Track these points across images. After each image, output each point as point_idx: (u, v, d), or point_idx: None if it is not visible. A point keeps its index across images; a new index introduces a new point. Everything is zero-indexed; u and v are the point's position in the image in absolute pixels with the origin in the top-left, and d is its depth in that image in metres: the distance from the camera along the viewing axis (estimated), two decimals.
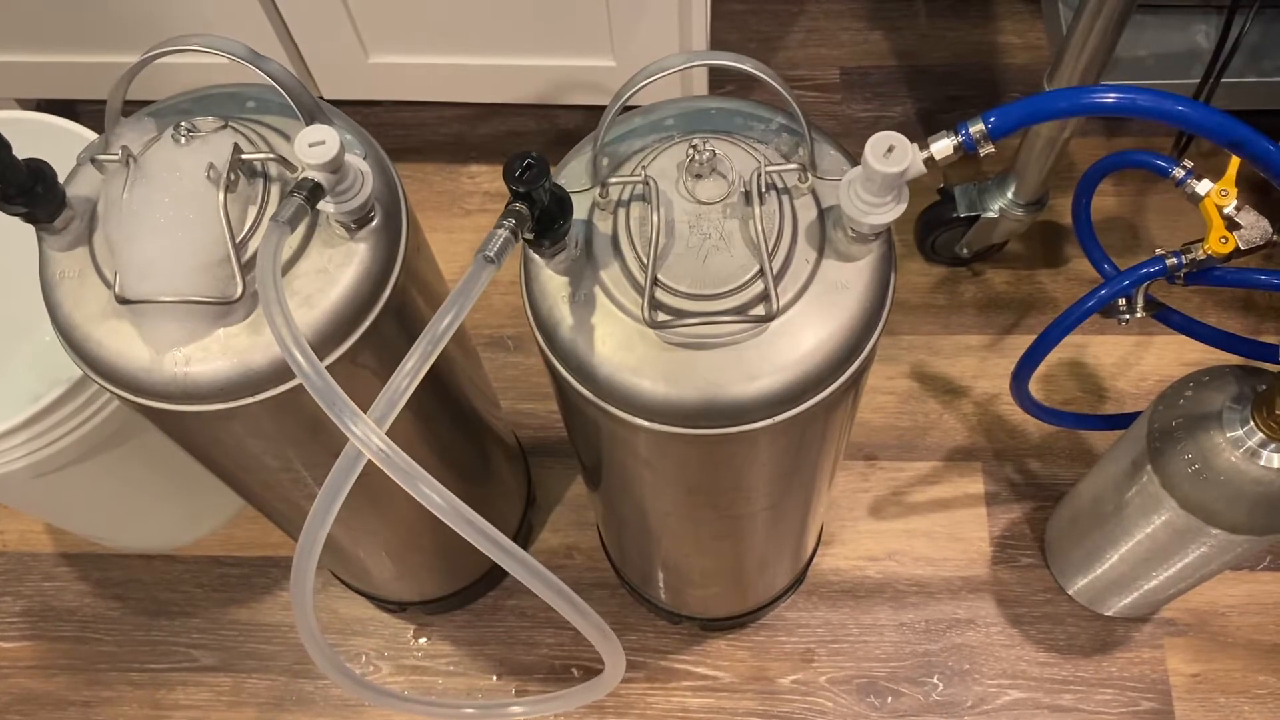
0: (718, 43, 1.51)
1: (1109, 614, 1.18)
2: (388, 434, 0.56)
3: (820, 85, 1.50)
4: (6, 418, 0.92)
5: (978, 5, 1.55)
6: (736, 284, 0.64)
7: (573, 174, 0.71)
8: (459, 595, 1.21)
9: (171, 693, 1.21)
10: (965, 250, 1.31)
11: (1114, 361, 1.30)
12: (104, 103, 1.38)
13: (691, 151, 0.65)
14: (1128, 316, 0.94)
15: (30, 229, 0.69)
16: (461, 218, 1.45)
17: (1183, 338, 1.05)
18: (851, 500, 1.25)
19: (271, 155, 0.67)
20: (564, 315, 0.67)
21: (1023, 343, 1.31)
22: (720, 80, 1.41)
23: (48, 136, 1.05)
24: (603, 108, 0.68)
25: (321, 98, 1.32)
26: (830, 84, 1.50)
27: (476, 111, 1.50)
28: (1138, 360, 1.30)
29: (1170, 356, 1.30)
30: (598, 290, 0.66)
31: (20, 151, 0.64)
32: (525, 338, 1.36)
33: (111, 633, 1.24)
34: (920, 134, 1.48)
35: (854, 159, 0.70)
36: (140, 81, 0.68)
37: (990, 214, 1.24)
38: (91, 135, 1.03)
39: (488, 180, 1.47)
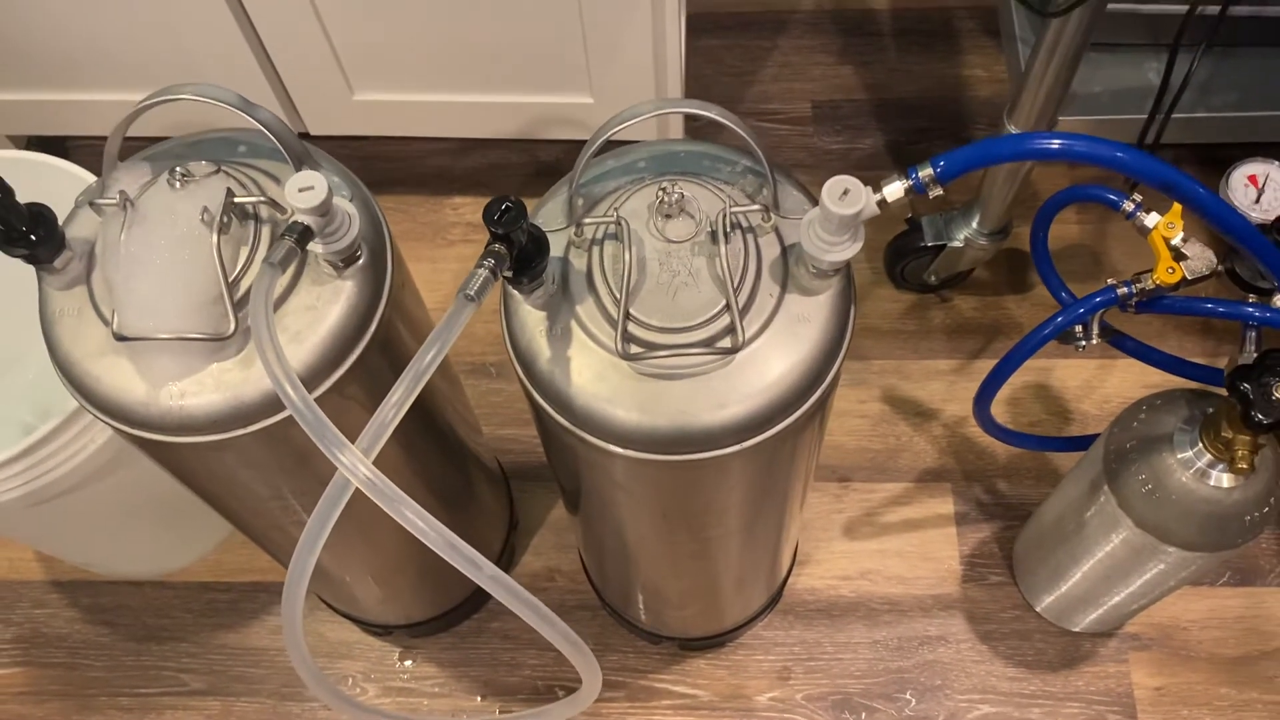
0: (693, 77, 1.55)
1: (1075, 629, 1.21)
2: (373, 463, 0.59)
3: (792, 118, 1.55)
4: (1, 448, 0.94)
5: (944, 39, 1.60)
6: (704, 318, 0.68)
7: (549, 214, 0.74)
8: (444, 618, 1.23)
9: (161, 717, 1.23)
10: (933, 277, 1.35)
11: (1078, 384, 1.34)
12: (94, 139, 1.41)
13: (661, 193, 0.69)
14: (1084, 343, 0.98)
15: (17, 265, 0.72)
16: (445, 248, 1.48)
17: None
18: (825, 521, 1.28)
19: (262, 199, 0.71)
20: (542, 348, 0.71)
21: (990, 367, 1.35)
22: (693, 117, 1.45)
23: (40, 175, 1.08)
24: (582, 142, 0.71)
25: (307, 134, 1.37)
26: (802, 117, 1.55)
27: (459, 145, 1.53)
28: (1101, 383, 1.34)
29: (1132, 379, 1.34)
30: (574, 324, 0.70)
31: (15, 189, 0.67)
32: (507, 365, 1.38)
33: (101, 658, 1.26)
34: (890, 164, 1.54)
35: (815, 198, 0.74)
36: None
37: (956, 243, 1.28)
38: (82, 173, 1.06)
39: (470, 211, 1.50)
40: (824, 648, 1.23)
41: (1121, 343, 1.01)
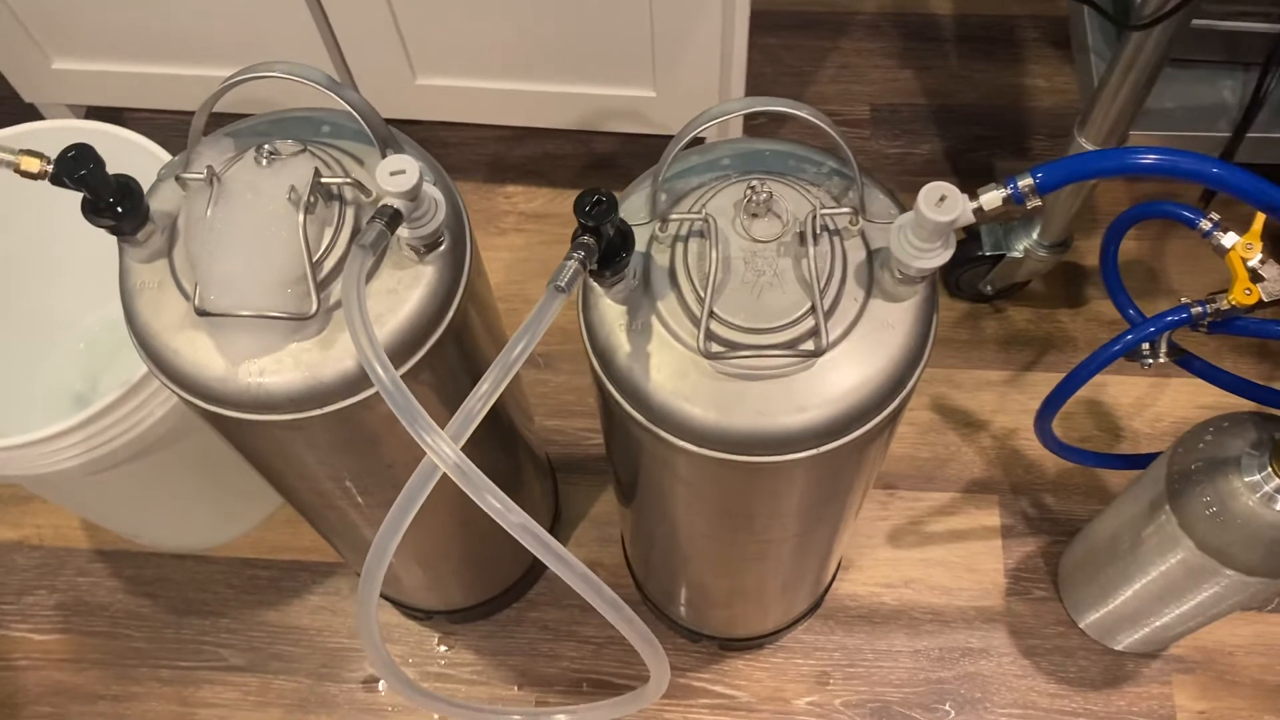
0: (752, 75, 1.53)
1: (1119, 649, 1.20)
2: None
3: (850, 121, 1.54)
4: (56, 414, 0.95)
5: (1007, 48, 1.59)
6: (788, 319, 0.67)
7: (632, 208, 0.74)
8: (484, 606, 1.23)
9: (199, 690, 1.23)
10: (989, 287, 1.34)
11: (1130, 402, 1.33)
12: (152, 112, 1.41)
13: (749, 192, 0.69)
14: (1150, 361, 0.97)
15: (73, 237, 0.72)
16: (497, 236, 1.48)
17: (1198, 380, 1.08)
18: (870, 528, 1.28)
19: (349, 180, 0.70)
20: (621, 342, 0.70)
21: (1041, 379, 1.35)
22: (751, 115, 1.44)
23: (105, 146, 1.08)
24: (639, 135, 0.71)
25: None
26: (860, 120, 1.54)
27: (514, 133, 1.53)
28: (1154, 401, 1.33)
29: (1185, 399, 1.33)
30: (654, 320, 0.70)
31: None
32: (555, 356, 1.39)
33: (142, 629, 1.27)
34: (948, 172, 1.52)
35: (901, 203, 0.74)
36: (199, 93, 0.70)
37: (1015, 254, 1.27)
38: (153, 146, 1.06)
39: (523, 200, 1.50)
40: (864, 654, 1.22)
41: (1189, 363, 1.00)
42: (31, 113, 1.49)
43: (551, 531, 1.26)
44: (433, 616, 1.24)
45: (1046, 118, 1.52)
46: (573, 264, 0.63)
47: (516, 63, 1.28)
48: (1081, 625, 1.22)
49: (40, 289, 1.24)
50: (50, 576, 1.30)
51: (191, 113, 0.76)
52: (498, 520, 0.59)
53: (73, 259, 1.15)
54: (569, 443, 1.35)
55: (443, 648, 1.25)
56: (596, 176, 1.50)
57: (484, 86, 1.32)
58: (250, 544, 1.31)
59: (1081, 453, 1.13)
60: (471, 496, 0.59)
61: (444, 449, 0.57)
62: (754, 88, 1.54)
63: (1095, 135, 1.09)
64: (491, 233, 1.48)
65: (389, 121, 0.76)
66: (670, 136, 0.73)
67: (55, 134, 1.06)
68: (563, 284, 0.62)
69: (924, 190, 0.62)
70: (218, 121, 0.78)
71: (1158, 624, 1.10)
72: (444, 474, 0.59)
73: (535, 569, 1.25)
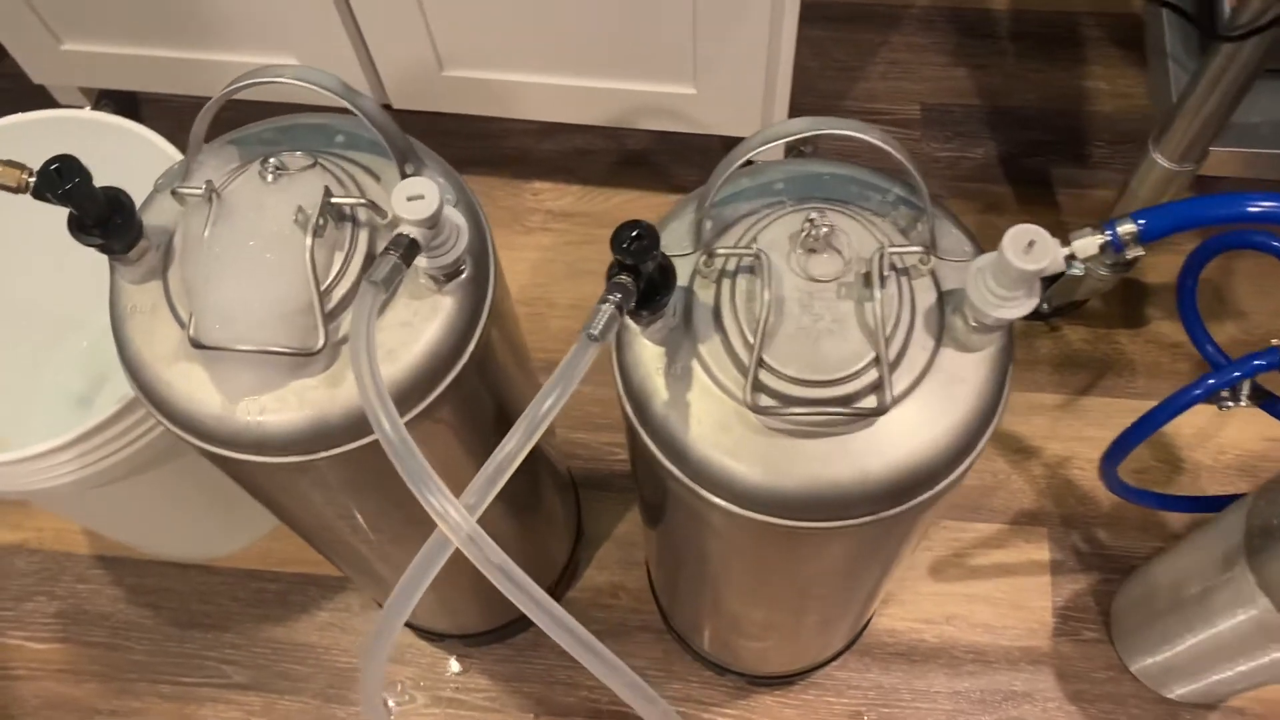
0: (798, 69, 1.45)
1: (1173, 697, 1.13)
2: None
3: (899, 121, 1.45)
4: (56, 418, 0.89)
5: (1067, 47, 1.50)
6: (848, 371, 0.60)
7: (674, 236, 0.67)
8: (499, 630, 1.17)
9: (201, 708, 1.18)
10: (1045, 305, 1.27)
11: (1193, 432, 1.25)
12: (166, 96, 1.33)
13: (808, 225, 0.61)
14: (1231, 404, 0.89)
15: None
16: (523, 235, 1.41)
17: None
18: (912, 559, 1.20)
19: (362, 201, 0.63)
20: (658, 388, 0.63)
21: (1097, 405, 1.27)
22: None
23: (109, 138, 1.01)
24: (674, 132, 0.63)
25: (390, 106, 1.29)
26: (910, 120, 1.46)
27: (543, 127, 1.45)
28: (1217, 432, 1.25)
29: (1252, 430, 1.24)
30: (695, 365, 0.63)
31: (79, 152, 0.60)
32: None
33: (143, 642, 1.21)
34: (1001, 178, 1.43)
35: (976, 238, 0.66)
36: (214, 79, 0.63)
37: (1075, 270, 1.18)
38: (161, 141, 0.99)
39: (551, 198, 1.43)
40: (901, 694, 1.15)
41: (1272, 406, 0.92)
42: (42, 93, 1.42)
43: (573, 552, 1.20)
44: (445, 639, 1.18)
45: (1108, 123, 1.43)
46: (608, 308, 0.56)
47: (549, 55, 1.20)
48: (1133, 669, 1.14)
49: (42, 283, 1.18)
50: (50, 582, 1.24)
51: (208, 98, 0.70)
52: (519, 604, 0.52)
53: (77, 252, 1.08)
54: (593, 457, 1.28)
55: (456, 668, 1.19)
56: (628, 174, 1.42)
57: (514, 80, 1.24)
58: (257, 555, 1.25)
59: (1148, 495, 1.05)
60: (490, 578, 0.52)
61: (460, 524, 0.50)
62: (799, 83, 1.45)
63: (1173, 151, 1.01)
64: (517, 231, 1.41)
65: (412, 114, 0.68)
66: (710, 136, 0.66)
67: (51, 125, 1.00)
68: (596, 332, 0.55)
69: (1010, 234, 0.55)
70: (233, 107, 0.71)
71: (1218, 678, 1.03)
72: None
73: (554, 594, 1.18)
